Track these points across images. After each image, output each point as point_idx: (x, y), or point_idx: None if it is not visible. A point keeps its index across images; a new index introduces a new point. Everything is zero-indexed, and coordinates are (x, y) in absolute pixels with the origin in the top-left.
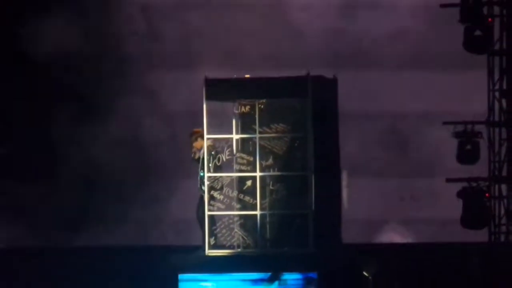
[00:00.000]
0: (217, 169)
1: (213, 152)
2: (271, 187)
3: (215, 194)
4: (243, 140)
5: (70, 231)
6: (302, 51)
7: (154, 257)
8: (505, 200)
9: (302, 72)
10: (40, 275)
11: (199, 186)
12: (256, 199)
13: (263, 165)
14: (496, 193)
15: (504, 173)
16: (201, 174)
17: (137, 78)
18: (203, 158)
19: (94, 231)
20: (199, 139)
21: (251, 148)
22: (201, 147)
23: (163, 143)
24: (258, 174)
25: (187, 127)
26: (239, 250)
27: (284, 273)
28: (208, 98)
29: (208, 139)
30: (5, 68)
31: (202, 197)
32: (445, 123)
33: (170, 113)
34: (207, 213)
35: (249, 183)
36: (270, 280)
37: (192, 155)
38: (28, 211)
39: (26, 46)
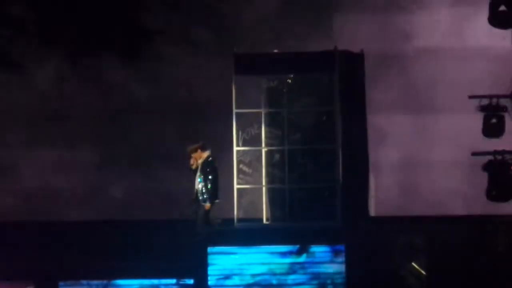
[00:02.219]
0: (245, 143)
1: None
2: (299, 161)
3: (244, 168)
4: (271, 114)
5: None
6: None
7: (184, 230)
8: None
9: (330, 47)
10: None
11: (194, 196)
12: (284, 172)
13: (291, 139)
14: None
15: None
16: (199, 180)
17: None
18: (200, 167)
19: (126, 205)
20: (199, 151)
21: (279, 122)
22: (200, 158)
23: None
24: (286, 147)
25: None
26: (267, 223)
27: (312, 245)
28: (237, 73)
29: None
30: None
31: (197, 208)
32: (470, 97)
33: None
34: (236, 186)
35: (277, 156)
36: (298, 252)
37: (190, 166)
38: None
39: None
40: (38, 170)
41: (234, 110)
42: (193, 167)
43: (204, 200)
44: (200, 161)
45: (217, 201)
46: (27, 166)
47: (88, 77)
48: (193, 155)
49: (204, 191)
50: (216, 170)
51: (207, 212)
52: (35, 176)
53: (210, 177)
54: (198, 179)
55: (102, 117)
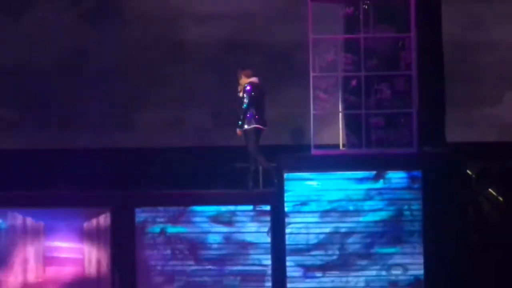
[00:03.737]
0: (322, 70)
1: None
2: (375, 87)
3: (320, 94)
4: (348, 40)
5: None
6: None
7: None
8: None
9: None
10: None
11: (240, 122)
12: (361, 98)
13: (368, 65)
14: None
15: None
16: (245, 106)
17: None
18: (248, 96)
19: (203, 133)
20: (243, 77)
21: (355, 49)
22: (244, 84)
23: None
24: (363, 73)
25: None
26: (343, 149)
27: (388, 171)
28: None
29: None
30: None
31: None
32: None
33: None
34: (312, 112)
35: (354, 82)
36: (375, 178)
37: (238, 92)
38: None
39: None
40: None
41: (311, 36)
42: (240, 93)
43: (238, 125)
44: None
45: (256, 126)
46: None
47: None
48: (240, 81)
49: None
50: (248, 98)
51: (249, 139)
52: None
53: (241, 104)
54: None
55: None
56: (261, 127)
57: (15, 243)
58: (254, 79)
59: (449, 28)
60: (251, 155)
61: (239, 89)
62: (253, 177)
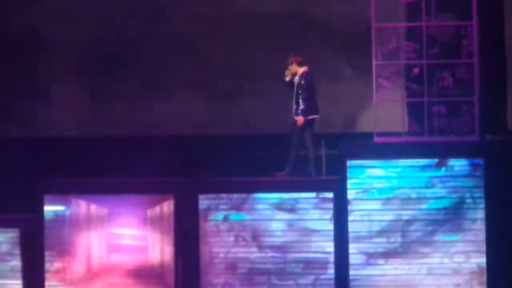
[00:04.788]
0: (384, 58)
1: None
2: (437, 75)
3: (383, 82)
4: (410, 28)
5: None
6: None
7: (323, 143)
8: None
9: None
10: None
11: (293, 111)
12: (422, 86)
13: (430, 53)
14: None
15: None
16: (296, 105)
17: None
18: (296, 85)
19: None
20: (294, 64)
21: (417, 37)
22: (295, 73)
23: None
24: (424, 62)
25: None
26: (406, 137)
27: (450, 159)
28: None
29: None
30: None
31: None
32: None
33: None
34: (375, 100)
35: (416, 71)
36: (437, 166)
37: (285, 77)
38: None
39: None
40: None
41: (373, 24)
42: (286, 78)
43: (296, 113)
44: (296, 78)
45: (313, 117)
46: None
47: None
48: (290, 67)
49: (295, 106)
50: (307, 86)
51: (302, 128)
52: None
53: (302, 92)
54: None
55: None
56: (317, 116)
57: (79, 230)
58: (305, 68)
59: None
60: (306, 143)
61: (286, 74)
62: (315, 164)
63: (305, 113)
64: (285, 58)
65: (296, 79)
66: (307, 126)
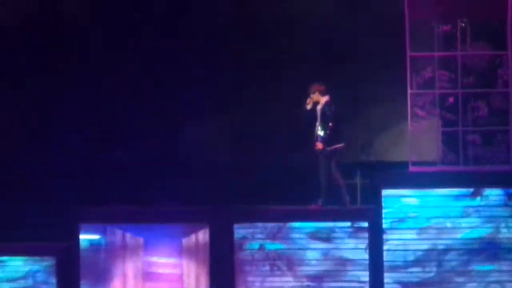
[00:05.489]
0: (419, 86)
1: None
2: (472, 104)
3: (417, 110)
4: (444, 57)
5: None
6: None
7: (359, 173)
8: None
9: None
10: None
11: (315, 140)
12: (457, 115)
13: (464, 82)
14: None
15: None
16: (320, 133)
17: None
18: (321, 114)
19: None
20: (317, 93)
21: (452, 66)
22: (317, 101)
23: None
24: (459, 91)
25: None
26: (441, 166)
27: (485, 189)
28: (410, 16)
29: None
30: None
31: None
32: None
33: None
34: (409, 129)
35: (451, 100)
36: (472, 195)
37: (306, 104)
38: None
39: None
40: None
41: (408, 53)
42: (308, 106)
43: (317, 139)
44: (319, 106)
45: (338, 146)
46: None
47: None
48: (312, 95)
49: (318, 134)
50: (333, 116)
51: (327, 159)
52: None
53: (325, 122)
54: (319, 132)
55: None
56: (342, 146)
57: (115, 258)
58: (328, 97)
59: None
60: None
61: (308, 102)
62: (348, 193)
63: (329, 142)
64: (308, 86)
65: (319, 108)
66: (332, 155)
